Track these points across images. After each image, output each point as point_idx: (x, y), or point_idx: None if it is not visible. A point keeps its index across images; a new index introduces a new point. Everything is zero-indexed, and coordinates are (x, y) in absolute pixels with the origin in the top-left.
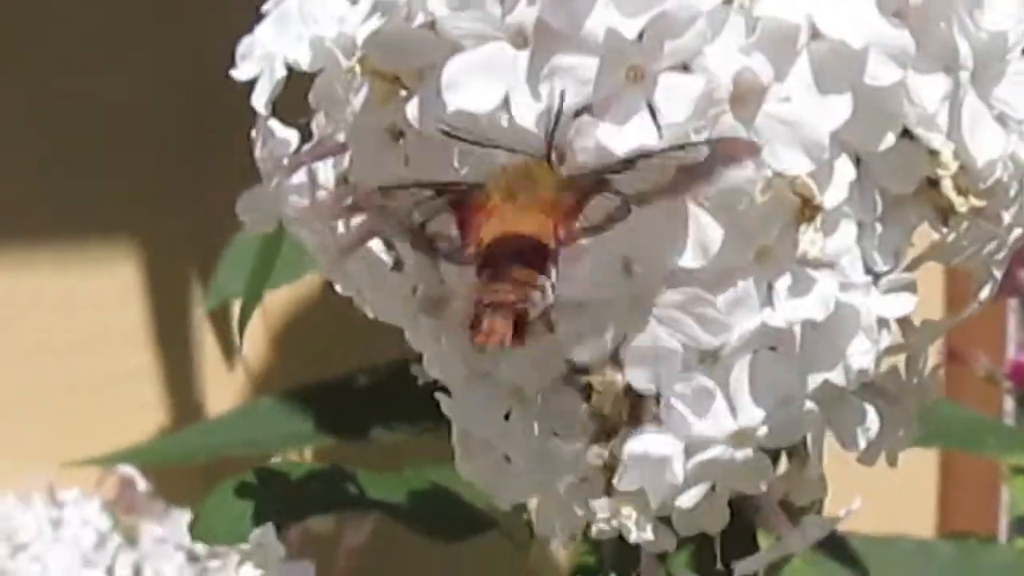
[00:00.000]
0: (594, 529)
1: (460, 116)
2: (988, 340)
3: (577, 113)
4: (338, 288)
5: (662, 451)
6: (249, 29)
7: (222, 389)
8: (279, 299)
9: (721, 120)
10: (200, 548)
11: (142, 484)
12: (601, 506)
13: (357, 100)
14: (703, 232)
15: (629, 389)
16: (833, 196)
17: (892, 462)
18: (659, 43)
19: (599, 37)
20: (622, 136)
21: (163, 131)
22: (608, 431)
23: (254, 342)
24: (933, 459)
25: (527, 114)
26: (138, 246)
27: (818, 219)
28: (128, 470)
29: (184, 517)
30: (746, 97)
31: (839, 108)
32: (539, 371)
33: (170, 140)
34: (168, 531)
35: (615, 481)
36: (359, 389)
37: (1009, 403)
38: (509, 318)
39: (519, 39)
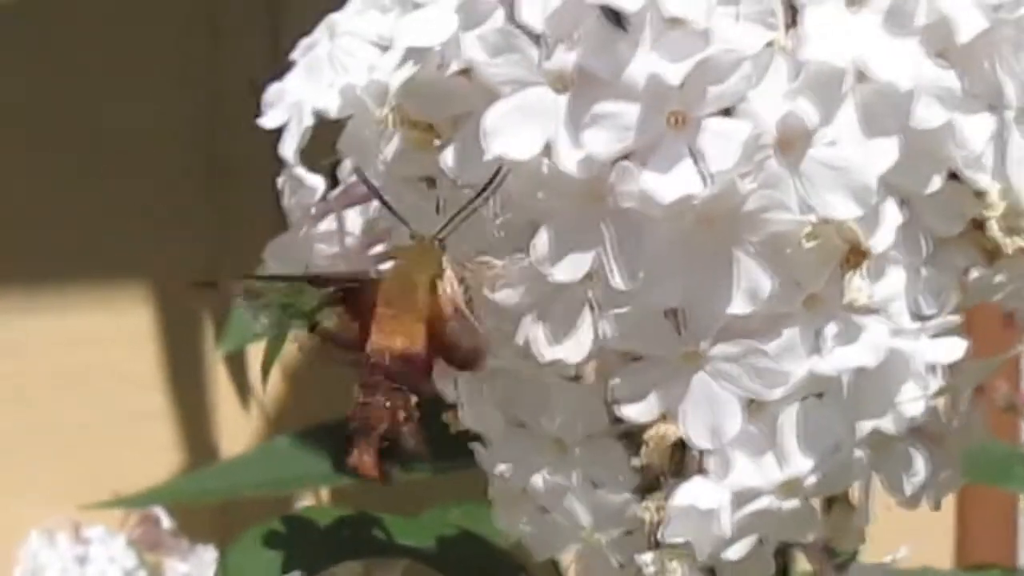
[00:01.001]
0: None
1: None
2: (1005, 367)
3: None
4: None
5: (709, 503)
6: (264, 65)
7: (237, 429)
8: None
9: (766, 165)
10: None
11: (166, 522)
12: (646, 560)
13: (389, 149)
14: (751, 278)
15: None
16: (880, 241)
17: (936, 506)
18: (702, 89)
19: (640, 83)
20: (668, 184)
21: (179, 172)
22: (651, 483)
23: (270, 381)
24: None
25: (569, 160)
26: (152, 286)
27: (864, 265)
28: (153, 508)
29: (208, 554)
30: (792, 142)
31: (887, 152)
32: (581, 423)
33: (185, 181)
34: (193, 568)
35: (660, 534)
36: None
37: None
38: (375, 447)
39: (559, 83)
